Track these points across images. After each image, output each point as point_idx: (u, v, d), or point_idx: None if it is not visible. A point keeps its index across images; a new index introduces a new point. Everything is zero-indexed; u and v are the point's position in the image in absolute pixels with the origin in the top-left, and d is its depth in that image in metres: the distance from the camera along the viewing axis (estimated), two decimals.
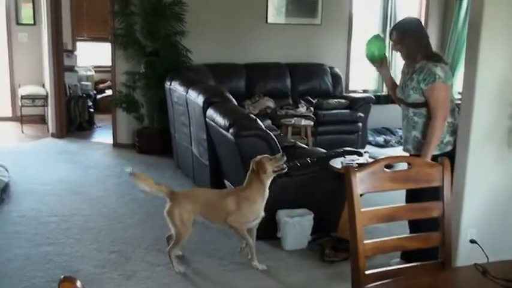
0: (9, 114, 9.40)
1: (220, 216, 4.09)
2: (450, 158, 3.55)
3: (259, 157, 4.06)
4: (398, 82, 4.01)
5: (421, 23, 3.98)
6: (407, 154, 3.89)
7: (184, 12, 7.37)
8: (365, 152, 4.66)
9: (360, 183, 2.28)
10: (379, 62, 3.96)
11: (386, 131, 8.78)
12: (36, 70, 9.12)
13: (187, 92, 5.83)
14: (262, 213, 4.09)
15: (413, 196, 3.37)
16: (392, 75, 4.13)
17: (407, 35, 3.74)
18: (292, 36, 8.43)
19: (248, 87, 7.92)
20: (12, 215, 5.18)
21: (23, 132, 8.60)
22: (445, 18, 9.14)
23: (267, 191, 4.06)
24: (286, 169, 4.08)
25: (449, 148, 3.70)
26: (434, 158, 3.61)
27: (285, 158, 4.05)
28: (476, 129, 3.54)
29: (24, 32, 9.23)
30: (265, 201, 4.07)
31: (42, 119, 9.02)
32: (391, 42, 4.01)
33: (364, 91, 8.97)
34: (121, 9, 7.33)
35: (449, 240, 2.43)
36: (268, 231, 4.51)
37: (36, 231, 4.82)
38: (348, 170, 2.29)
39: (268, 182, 4.06)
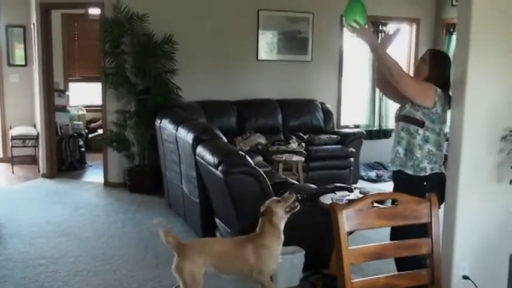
0: (0, 155, 9.34)
1: (238, 267, 3.85)
2: (425, 181, 3.56)
3: (266, 203, 3.85)
4: None
5: (450, 63, 3.83)
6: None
7: (175, 50, 7.43)
8: (355, 188, 4.62)
9: (346, 220, 2.24)
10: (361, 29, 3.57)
11: (379, 165, 8.76)
12: (27, 111, 9.09)
13: (177, 130, 5.81)
14: (280, 259, 3.89)
15: (396, 233, 3.31)
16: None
17: (436, 61, 3.72)
18: (283, 73, 8.48)
19: (239, 123, 7.92)
20: (0, 258, 5.08)
21: (13, 173, 8.54)
22: None
23: (282, 234, 3.85)
24: (298, 207, 3.84)
25: (423, 173, 3.62)
26: (408, 177, 3.62)
27: (294, 196, 3.84)
28: (466, 165, 3.53)
29: (15, 73, 9.23)
30: (281, 245, 3.86)
31: (33, 160, 8.95)
32: None
33: (356, 126, 8.99)
34: (111, 49, 7.36)
35: (439, 278, 2.38)
36: None
37: (24, 275, 4.72)
38: (333, 207, 2.26)
39: (282, 225, 3.83)
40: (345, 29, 8.64)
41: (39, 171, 8.48)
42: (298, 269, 4.47)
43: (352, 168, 7.91)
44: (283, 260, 4.34)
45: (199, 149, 5.13)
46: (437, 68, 3.69)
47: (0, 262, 5.00)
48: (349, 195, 4.43)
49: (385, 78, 3.76)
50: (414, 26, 9.24)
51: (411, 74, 3.86)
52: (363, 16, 3.50)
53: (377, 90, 8.85)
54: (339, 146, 7.95)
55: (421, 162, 3.62)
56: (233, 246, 3.92)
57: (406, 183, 3.62)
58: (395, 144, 3.80)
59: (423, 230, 2.51)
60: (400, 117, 3.75)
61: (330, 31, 8.69)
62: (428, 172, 3.60)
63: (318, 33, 8.59)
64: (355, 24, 3.49)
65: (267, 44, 8.39)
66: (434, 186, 3.53)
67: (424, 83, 3.59)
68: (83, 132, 9.78)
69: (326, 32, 8.66)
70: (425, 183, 3.57)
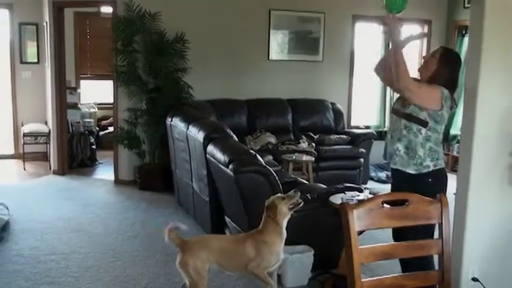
0: (12, 151, 9.41)
1: (239, 263, 3.87)
2: (429, 177, 3.51)
3: (271, 198, 3.88)
4: None
5: (460, 64, 3.76)
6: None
7: (186, 49, 7.46)
8: (365, 188, 4.62)
9: (357, 220, 2.25)
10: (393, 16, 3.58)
11: (389, 166, 8.71)
12: (39, 108, 9.16)
13: (187, 128, 5.83)
14: (282, 255, 3.90)
15: (399, 233, 3.28)
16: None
17: (446, 59, 3.62)
18: (294, 73, 8.50)
19: (249, 122, 7.94)
20: (12, 254, 5.13)
21: (25, 169, 8.60)
22: None
23: (285, 231, 3.85)
24: (302, 204, 3.88)
25: (425, 170, 3.55)
26: (410, 176, 3.55)
27: (299, 194, 3.87)
28: (477, 166, 3.54)
29: (27, 70, 9.28)
30: (283, 242, 3.87)
31: (44, 156, 9.01)
32: None
33: (366, 127, 8.98)
34: (123, 47, 7.40)
35: (448, 278, 2.38)
36: None
37: (35, 270, 4.75)
38: (344, 207, 2.27)
39: (284, 222, 3.85)
40: (356, 29, 8.69)
41: (50, 168, 8.53)
42: (307, 268, 4.48)
43: (362, 168, 7.91)
44: (292, 259, 4.37)
45: (210, 148, 5.15)
46: (446, 67, 3.59)
47: (12, 257, 5.04)
48: (359, 196, 4.43)
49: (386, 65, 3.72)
50: (426, 28, 9.21)
51: (419, 70, 3.79)
52: (400, 4, 3.51)
53: (388, 90, 8.85)
54: (349, 147, 7.95)
55: (424, 160, 3.54)
56: (234, 242, 3.99)
57: (407, 182, 3.55)
58: (394, 141, 3.67)
59: (428, 231, 2.51)
60: (403, 115, 3.61)
61: (341, 31, 8.69)
62: (432, 168, 3.54)
63: (329, 33, 8.59)
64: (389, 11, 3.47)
65: (278, 44, 8.40)
66: (438, 183, 3.50)
67: (429, 87, 3.50)
68: (94, 130, 9.83)
69: (337, 31, 8.66)
70: (430, 179, 3.51)
